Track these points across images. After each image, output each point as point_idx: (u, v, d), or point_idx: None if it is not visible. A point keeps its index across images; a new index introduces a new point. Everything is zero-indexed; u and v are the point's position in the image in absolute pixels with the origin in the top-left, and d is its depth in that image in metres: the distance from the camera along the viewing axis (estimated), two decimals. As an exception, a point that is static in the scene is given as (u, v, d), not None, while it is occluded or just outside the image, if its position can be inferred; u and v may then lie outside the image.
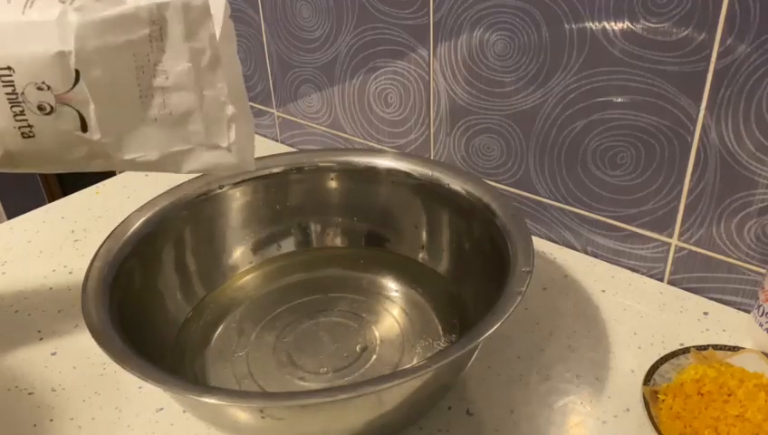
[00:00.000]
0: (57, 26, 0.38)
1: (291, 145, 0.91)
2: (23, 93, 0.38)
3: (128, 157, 0.43)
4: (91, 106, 0.39)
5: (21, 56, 0.38)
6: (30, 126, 0.39)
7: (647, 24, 0.55)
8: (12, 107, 0.39)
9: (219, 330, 0.57)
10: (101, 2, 0.39)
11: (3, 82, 0.38)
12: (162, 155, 0.43)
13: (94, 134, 0.40)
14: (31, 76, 0.38)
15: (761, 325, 0.54)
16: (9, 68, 0.38)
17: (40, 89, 0.38)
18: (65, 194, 0.83)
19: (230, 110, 0.42)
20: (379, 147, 0.80)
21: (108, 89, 0.39)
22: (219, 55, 0.41)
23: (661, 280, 0.64)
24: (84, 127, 0.40)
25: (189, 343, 0.56)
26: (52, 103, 0.39)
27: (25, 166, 0.42)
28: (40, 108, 0.39)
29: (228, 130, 0.42)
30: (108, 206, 0.79)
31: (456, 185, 0.59)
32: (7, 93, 0.38)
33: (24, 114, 0.39)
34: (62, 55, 0.38)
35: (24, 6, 0.38)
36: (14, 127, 0.39)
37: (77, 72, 0.38)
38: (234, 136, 0.42)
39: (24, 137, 0.40)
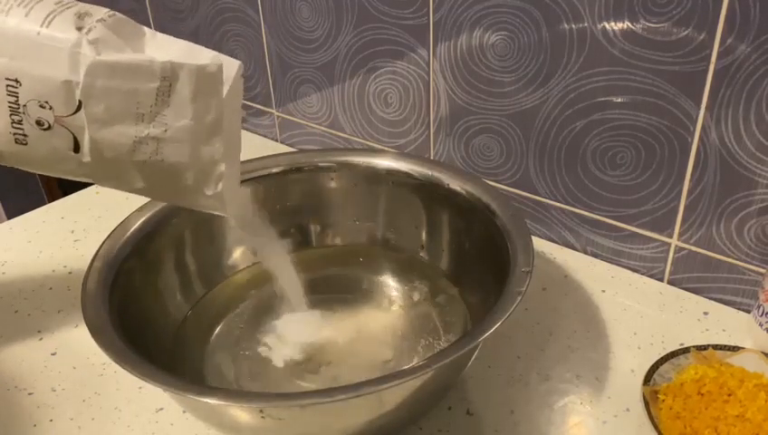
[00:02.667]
0: (70, 56, 0.39)
1: (290, 145, 0.91)
2: (24, 106, 0.39)
3: (114, 185, 0.44)
4: (87, 135, 0.40)
5: (30, 73, 0.39)
6: (25, 135, 0.40)
7: (647, 24, 0.55)
8: (11, 114, 0.40)
9: (219, 329, 0.57)
10: (119, 38, 0.40)
11: (8, 90, 0.39)
12: (146, 189, 0.44)
13: (85, 157, 0.41)
14: (35, 94, 0.39)
15: (761, 325, 0.54)
16: (17, 81, 0.39)
17: (42, 107, 0.39)
18: (65, 194, 0.83)
19: (221, 168, 0.43)
20: (379, 147, 0.80)
21: (105, 125, 0.40)
22: (222, 119, 0.42)
23: (661, 280, 0.64)
24: (77, 148, 0.41)
25: (189, 342, 0.56)
26: (51, 122, 0.40)
27: (13, 164, 0.43)
28: (38, 123, 0.40)
29: (216, 182, 0.43)
30: (108, 206, 0.79)
31: (456, 185, 0.59)
32: (10, 102, 0.39)
33: (22, 124, 0.40)
34: (69, 84, 0.39)
35: (42, 24, 0.39)
36: (10, 133, 0.40)
37: (80, 102, 0.39)
38: (220, 187, 0.44)
39: (16, 143, 0.41)
